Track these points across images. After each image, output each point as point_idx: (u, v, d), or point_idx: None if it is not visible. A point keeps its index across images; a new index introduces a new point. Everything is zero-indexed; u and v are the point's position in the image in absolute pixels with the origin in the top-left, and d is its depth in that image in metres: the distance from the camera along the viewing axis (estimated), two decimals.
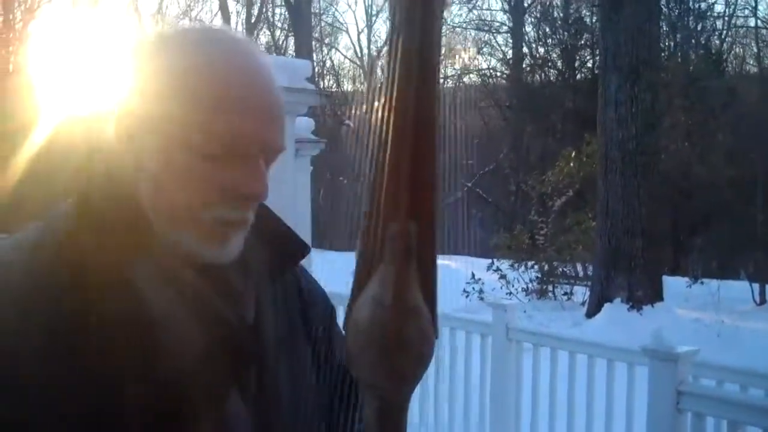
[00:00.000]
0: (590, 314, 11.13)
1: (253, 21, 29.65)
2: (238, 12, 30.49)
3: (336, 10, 38.96)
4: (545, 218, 14.05)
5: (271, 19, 30.82)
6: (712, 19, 23.50)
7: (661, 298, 11.09)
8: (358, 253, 0.87)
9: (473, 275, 12.60)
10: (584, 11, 24.40)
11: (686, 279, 13.28)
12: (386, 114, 0.84)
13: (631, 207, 11.06)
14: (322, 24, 29.74)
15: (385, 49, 0.85)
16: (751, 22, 24.93)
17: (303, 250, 1.16)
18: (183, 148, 0.93)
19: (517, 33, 26.06)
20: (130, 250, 0.93)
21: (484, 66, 28.28)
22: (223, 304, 0.99)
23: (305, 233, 5.07)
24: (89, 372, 0.87)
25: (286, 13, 27.42)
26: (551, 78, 25.82)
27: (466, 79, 26.56)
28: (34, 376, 0.86)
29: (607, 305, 10.85)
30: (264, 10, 30.06)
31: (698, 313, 10.94)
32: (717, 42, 24.28)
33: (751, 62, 25.91)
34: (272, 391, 1.04)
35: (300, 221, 4.77)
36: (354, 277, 0.87)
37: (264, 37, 29.91)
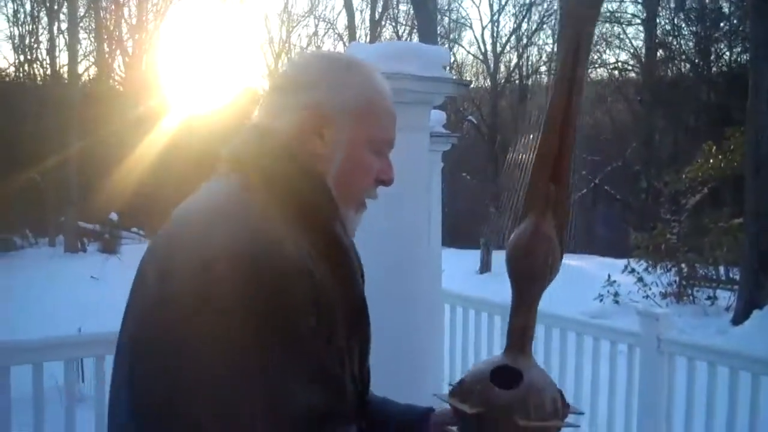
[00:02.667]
0: (737, 321, 10.48)
1: (377, 18, 29.67)
2: (361, 10, 30.61)
3: (460, 5, 38.64)
4: (678, 217, 13.27)
5: (395, 16, 30.77)
6: None
7: None
8: (524, 203, 1.48)
9: (609, 277, 12.10)
10: (723, 1, 23.19)
11: None
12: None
13: None
14: (446, 20, 29.39)
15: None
16: None
17: None
18: (365, 145, 1.37)
19: (649, 25, 25.03)
20: (334, 213, 1.32)
21: (612, 60, 27.37)
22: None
23: (436, 230, 4.78)
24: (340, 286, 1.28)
25: (411, 9, 27.22)
26: (684, 71, 24.77)
27: (592, 74, 25.67)
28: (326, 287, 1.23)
29: (756, 312, 10.14)
30: (388, 6, 30.03)
31: None
32: None
33: None
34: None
35: (433, 218, 4.48)
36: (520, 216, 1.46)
37: (387, 33, 29.89)
